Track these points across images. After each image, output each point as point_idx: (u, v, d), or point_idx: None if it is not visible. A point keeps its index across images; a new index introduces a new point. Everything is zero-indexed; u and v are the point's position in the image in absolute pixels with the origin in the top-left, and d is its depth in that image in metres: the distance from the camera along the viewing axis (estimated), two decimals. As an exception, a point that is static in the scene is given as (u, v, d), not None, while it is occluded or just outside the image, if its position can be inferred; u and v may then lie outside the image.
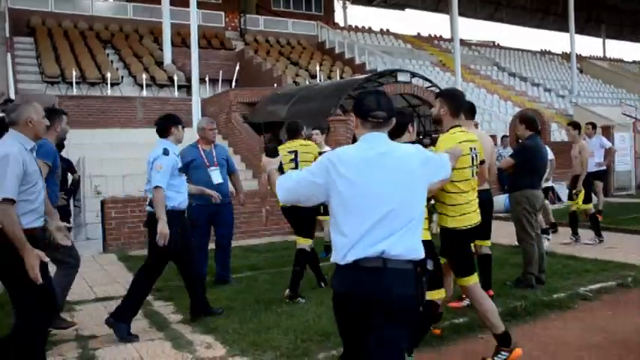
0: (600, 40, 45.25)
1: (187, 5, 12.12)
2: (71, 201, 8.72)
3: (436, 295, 4.00)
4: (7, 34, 19.04)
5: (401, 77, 12.26)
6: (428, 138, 12.21)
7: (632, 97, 31.10)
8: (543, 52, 38.81)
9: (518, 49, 37.24)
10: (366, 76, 14.11)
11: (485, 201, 4.88)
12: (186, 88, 18.70)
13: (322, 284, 6.14)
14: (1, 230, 3.26)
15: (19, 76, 16.55)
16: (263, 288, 6.10)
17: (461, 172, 3.99)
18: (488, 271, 5.52)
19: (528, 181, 6.00)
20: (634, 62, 42.34)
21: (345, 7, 36.10)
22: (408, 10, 40.00)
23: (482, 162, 4.38)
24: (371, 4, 38.07)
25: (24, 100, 7.70)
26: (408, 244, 2.51)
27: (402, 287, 2.49)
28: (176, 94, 18.44)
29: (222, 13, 27.40)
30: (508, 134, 14.21)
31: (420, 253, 2.57)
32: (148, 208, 4.92)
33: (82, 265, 7.45)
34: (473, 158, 4.09)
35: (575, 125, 8.54)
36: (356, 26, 33.80)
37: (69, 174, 7.02)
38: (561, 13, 34.94)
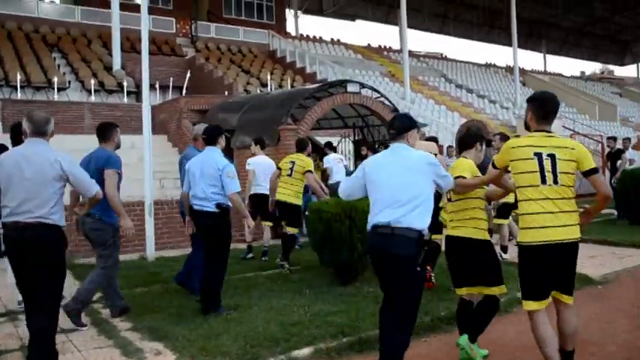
0: (541, 54, 47.17)
1: (138, 10, 12.04)
2: None
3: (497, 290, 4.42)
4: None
5: (350, 88, 12.48)
6: (382, 146, 12.50)
7: (571, 110, 32.57)
8: (488, 65, 40.19)
9: (464, 62, 38.44)
10: (317, 85, 14.31)
11: None
12: (136, 94, 18.47)
13: (286, 266, 7.61)
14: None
15: (-43, 79, 16.00)
16: (213, 295, 6.14)
17: (523, 177, 3.78)
18: None
19: None
20: (572, 77, 44.35)
21: (296, 17, 36.38)
22: (358, 21, 40.70)
23: (592, 170, 3.75)
24: (322, 14, 38.50)
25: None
26: (410, 218, 3.71)
27: (404, 248, 3.68)
28: (125, 100, 18.18)
29: (173, 20, 27.17)
30: (454, 144, 14.70)
31: (420, 225, 3.74)
32: (209, 209, 5.48)
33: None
34: (542, 163, 3.72)
35: (504, 137, 7.83)
36: (307, 35, 34.12)
37: None
38: (505, 28, 36.25)
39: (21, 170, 3.92)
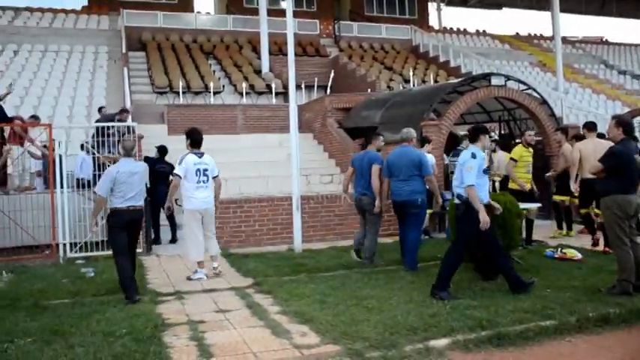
0: None
1: (283, 15, 12.73)
2: None
3: None
4: (124, 50, 20.76)
5: (495, 80, 12.08)
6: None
7: None
8: (659, 46, 36.31)
9: (629, 44, 35.10)
10: (459, 80, 14.05)
11: None
12: (283, 94, 19.45)
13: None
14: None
15: (132, 88, 17.98)
16: (355, 285, 6.41)
17: None
18: None
19: (619, 186, 5.88)
20: None
21: (439, 9, 35.76)
22: (505, 10, 38.87)
23: None
24: (466, 4, 37.41)
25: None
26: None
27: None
28: (274, 100, 19.25)
29: (317, 21, 28.10)
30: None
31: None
32: (457, 201, 6.14)
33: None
34: None
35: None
36: (451, 28, 33.42)
37: None
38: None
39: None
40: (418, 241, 7.66)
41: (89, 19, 25.46)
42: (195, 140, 7.42)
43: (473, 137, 6.30)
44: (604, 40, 36.79)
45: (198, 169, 7.25)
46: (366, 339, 4.52)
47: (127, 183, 6.34)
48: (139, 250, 9.02)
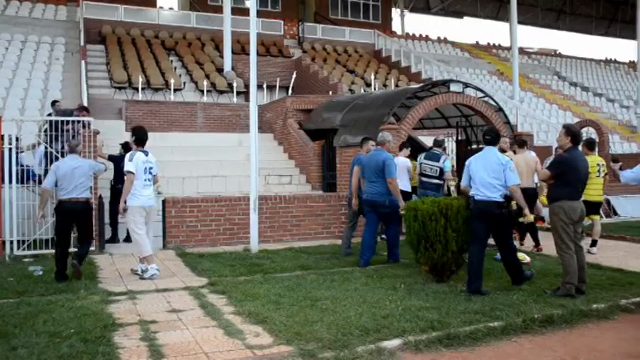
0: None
1: (247, 14, 12.65)
2: None
3: None
4: (82, 43, 20.27)
5: (454, 87, 12.32)
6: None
7: None
8: (608, 61, 37.71)
9: (581, 58, 36.33)
10: (419, 85, 14.27)
11: None
12: (245, 94, 19.37)
13: None
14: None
15: (90, 82, 17.58)
16: (310, 286, 6.43)
17: None
18: None
19: (565, 193, 6.11)
20: None
21: (402, 15, 36.23)
22: (466, 18, 39.77)
23: None
24: (429, 12, 38.07)
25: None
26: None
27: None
28: (235, 100, 19.14)
29: (281, 22, 28.09)
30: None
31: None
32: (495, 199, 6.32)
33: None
34: None
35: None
36: (413, 34, 33.89)
37: None
38: (630, 20, 33.81)
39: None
40: (397, 237, 8.14)
41: (46, 8, 24.73)
42: (141, 139, 7.49)
43: (495, 141, 6.65)
44: (557, 52, 38.03)
45: (146, 167, 7.33)
46: (319, 339, 4.55)
47: (68, 177, 6.95)
48: (91, 249, 8.86)
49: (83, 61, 17.56)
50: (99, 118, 13.44)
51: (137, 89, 18.34)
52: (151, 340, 4.66)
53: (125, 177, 7.34)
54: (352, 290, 6.24)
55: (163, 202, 9.87)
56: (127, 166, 7.28)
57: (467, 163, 6.62)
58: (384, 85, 22.47)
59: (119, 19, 24.50)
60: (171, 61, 22.28)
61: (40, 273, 7.25)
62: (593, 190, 8.81)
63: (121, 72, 19.37)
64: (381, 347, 4.47)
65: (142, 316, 5.36)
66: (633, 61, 33.17)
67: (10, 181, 8.76)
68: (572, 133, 6.35)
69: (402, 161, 9.75)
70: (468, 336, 4.80)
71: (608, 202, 14.73)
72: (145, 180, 7.33)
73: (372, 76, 22.65)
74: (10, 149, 8.92)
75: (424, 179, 9.64)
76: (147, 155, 7.41)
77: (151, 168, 7.41)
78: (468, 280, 6.21)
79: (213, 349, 4.44)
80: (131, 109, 16.56)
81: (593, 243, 9.10)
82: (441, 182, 9.61)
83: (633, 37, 30.29)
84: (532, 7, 36.96)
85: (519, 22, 26.11)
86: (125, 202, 7.36)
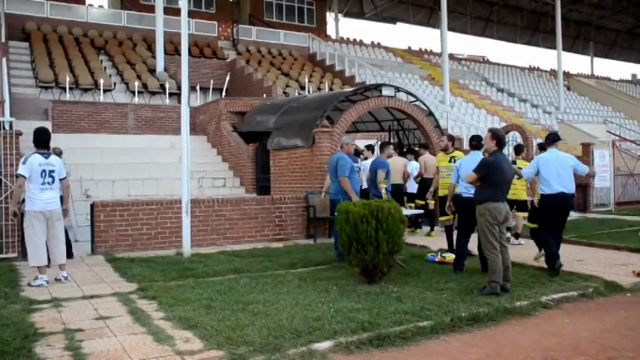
0: (589, 57, 46.09)
1: (180, 14, 12.44)
2: None
3: None
4: (3, 39, 19.30)
5: (386, 91, 12.60)
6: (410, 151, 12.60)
7: (618, 115, 31.75)
8: (532, 69, 39.56)
9: (507, 65, 37.93)
10: (352, 89, 14.49)
11: None
12: (177, 95, 19.01)
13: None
14: None
15: (13, 80, 16.78)
16: (243, 290, 6.40)
17: None
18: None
19: (490, 195, 6.39)
20: (622, 80, 43.12)
21: (337, 20, 36.62)
22: (399, 24, 40.71)
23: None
24: (363, 17, 38.66)
25: None
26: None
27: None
28: (167, 101, 18.76)
29: (215, 23, 27.78)
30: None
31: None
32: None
33: (71, 265, 7.78)
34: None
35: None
36: (347, 38, 34.31)
37: None
38: (551, 30, 35.61)
39: None
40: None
41: (-37, 3, 23.42)
42: (40, 140, 7.16)
43: (479, 145, 7.58)
44: (486, 59, 39.53)
45: (44, 170, 7.00)
46: (250, 343, 4.53)
47: None
48: (12, 255, 8.48)
49: (4, 59, 16.70)
50: (23, 119, 12.88)
51: (64, 89, 17.69)
52: (75, 349, 4.49)
53: (16, 181, 7.06)
54: (285, 293, 6.25)
55: (92, 205, 9.56)
56: (19, 169, 6.98)
57: (457, 164, 7.96)
58: (319, 89, 22.63)
59: (45, 16, 23.52)
60: (101, 60, 21.59)
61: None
62: (518, 190, 9.69)
63: (47, 71, 18.59)
64: (312, 349, 4.50)
65: (67, 325, 5.16)
66: (554, 69, 34.91)
67: None
68: (497, 137, 6.63)
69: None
70: (398, 336, 4.90)
71: (532, 202, 15.39)
72: (44, 184, 6.98)
73: (307, 79, 22.78)
74: None
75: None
76: (47, 158, 7.07)
77: (51, 171, 7.05)
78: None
79: (141, 357, 4.33)
80: (58, 109, 15.92)
81: (516, 236, 10.17)
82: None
83: (554, 46, 31.92)
84: (462, 15, 38.25)
85: (450, 29, 27.00)
86: (17, 208, 7.10)
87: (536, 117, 28.16)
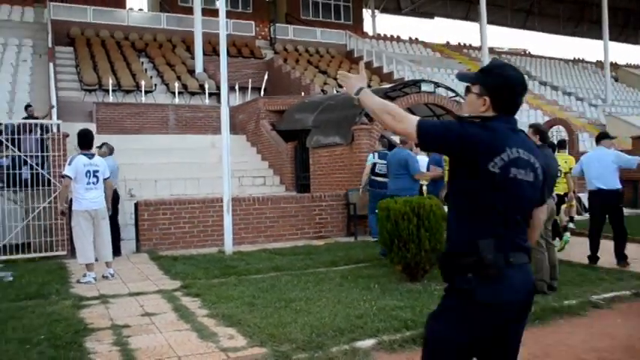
0: (638, 47, 44.53)
1: (218, 15, 12.58)
2: None
3: None
4: (50, 44, 19.90)
5: (425, 87, 12.46)
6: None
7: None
8: (576, 61, 38.46)
9: (549, 58, 36.97)
10: (390, 85, 14.38)
11: None
12: (217, 95, 19.21)
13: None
14: None
15: (59, 84, 17.25)
16: (284, 288, 6.42)
17: None
18: None
19: None
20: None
21: (373, 16, 36.43)
22: (437, 19, 40.14)
23: None
24: (400, 12, 38.30)
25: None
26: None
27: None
28: (207, 101, 19.00)
29: (252, 23, 27.97)
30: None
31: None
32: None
33: (117, 263, 7.97)
34: None
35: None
36: (384, 35, 34.08)
37: None
38: (596, 20, 34.52)
39: None
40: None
41: (12, 10, 24.21)
42: (84, 141, 7.37)
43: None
44: (527, 52, 38.63)
45: (89, 171, 7.19)
46: (293, 341, 4.54)
47: None
48: (62, 253, 8.74)
49: (51, 63, 17.23)
50: (69, 121, 13.22)
51: (107, 91, 18.09)
52: (123, 344, 4.59)
53: (62, 181, 7.27)
54: (326, 291, 6.24)
55: (136, 205, 9.76)
56: (65, 170, 7.20)
57: None
58: (357, 86, 22.47)
59: (88, 21, 24.10)
60: (142, 62, 22.01)
61: (11, 279, 7.10)
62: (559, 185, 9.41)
63: (91, 74, 19.07)
64: (355, 347, 4.48)
65: (115, 321, 5.28)
66: (600, 61, 33.88)
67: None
68: (539, 131, 6.48)
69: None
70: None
71: (579, 199, 15.02)
72: (89, 183, 7.17)
73: (345, 77, 22.67)
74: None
75: (378, 179, 9.73)
76: (91, 158, 7.28)
77: (95, 171, 7.24)
78: None
79: (186, 353, 4.40)
80: (102, 111, 16.32)
81: (570, 219, 10.14)
82: None
83: (599, 37, 30.96)
84: (501, 8, 37.48)
85: (489, 23, 26.44)
86: (64, 207, 7.31)
87: (581, 110, 27.41)
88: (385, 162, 9.34)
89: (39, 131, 9.70)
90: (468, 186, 2.26)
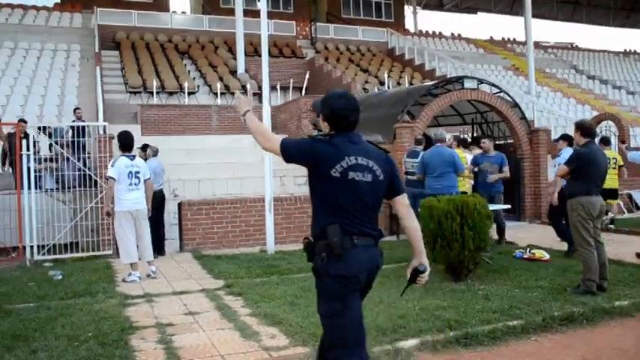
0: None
1: (259, 16, 12.71)
2: None
3: None
4: (97, 49, 20.47)
5: (468, 84, 12.23)
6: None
7: None
8: (627, 53, 37.09)
9: (598, 51, 35.78)
10: (432, 82, 14.19)
11: None
12: (259, 95, 19.34)
13: None
14: None
15: (105, 87, 17.70)
16: (326, 287, 6.39)
17: None
18: None
19: (583, 188, 6.00)
20: None
21: (415, 13, 36.02)
22: (480, 14, 39.39)
23: None
24: (442, 8, 37.75)
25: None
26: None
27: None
28: (249, 101, 19.11)
29: (293, 23, 28.06)
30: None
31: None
32: None
33: (161, 262, 8.12)
34: None
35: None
36: (426, 31, 33.66)
37: None
38: (649, 10, 33.19)
39: None
40: None
41: (61, 16, 25.01)
42: (125, 144, 7.51)
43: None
44: (574, 45, 37.45)
45: (130, 172, 7.33)
46: (335, 340, 4.51)
47: None
48: (108, 252, 8.96)
49: (98, 67, 17.70)
50: (115, 123, 13.55)
51: (152, 93, 18.46)
52: (167, 342, 4.67)
53: (107, 183, 7.45)
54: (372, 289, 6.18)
55: (179, 205, 9.92)
56: (108, 171, 7.36)
57: (556, 161, 8.02)
58: (398, 84, 22.33)
59: (133, 25, 24.65)
60: (185, 64, 22.37)
61: (60, 277, 7.32)
62: (608, 180, 8.97)
63: (136, 76, 19.51)
64: (397, 347, 4.43)
65: (159, 319, 5.38)
66: (653, 53, 32.62)
67: (29, 187, 8.87)
68: (581, 127, 6.24)
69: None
70: (487, 335, 4.73)
71: (630, 196, 14.51)
72: (131, 184, 7.31)
73: (386, 75, 22.54)
74: (28, 155, 9.02)
75: (409, 177, 9.56)
76: (132, 160, 7.43)
77: (137, 172, 7.39)
78: None
79: (229, 351, 4.43)
80: (146, 113, 16.67)
81: (611, 221, 10.06)
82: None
83: (653, 27, 29.78)
84: (547, 1, 36.50)
85: (534, 16, 25.82)
86: (110, 207, 7.46)
87: (632, 104, 26.42)
88: (416, 160, 9.18)
89: (86, 134, 9.96)
90: (319, 188, 2.95)
